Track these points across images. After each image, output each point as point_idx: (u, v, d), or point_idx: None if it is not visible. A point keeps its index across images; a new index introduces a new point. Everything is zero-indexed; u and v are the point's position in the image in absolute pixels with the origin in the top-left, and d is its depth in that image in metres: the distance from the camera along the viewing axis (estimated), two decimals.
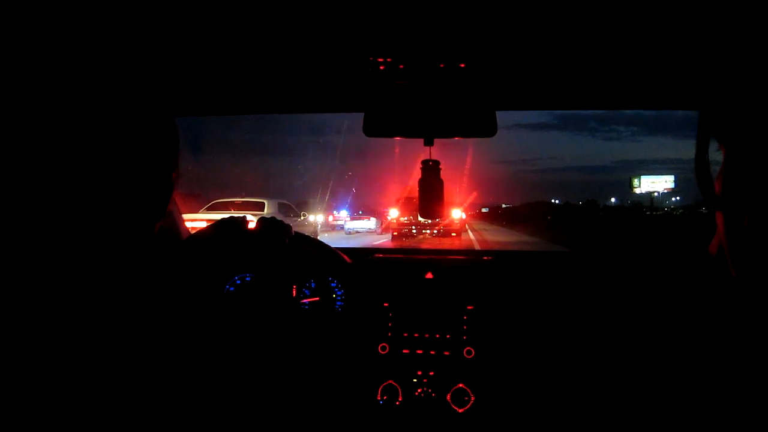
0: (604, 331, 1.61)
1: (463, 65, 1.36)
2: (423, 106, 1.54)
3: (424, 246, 17.89)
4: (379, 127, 1.57)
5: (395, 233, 18.82)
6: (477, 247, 19.34)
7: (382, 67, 1.36)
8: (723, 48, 1.18)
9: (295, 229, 1.74)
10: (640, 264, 1.70)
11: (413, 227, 18.55)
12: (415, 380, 1.61)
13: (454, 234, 18.84)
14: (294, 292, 1.80)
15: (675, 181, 62.49)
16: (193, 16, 1.11)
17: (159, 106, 1.02)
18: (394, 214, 19.15)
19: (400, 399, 1.59)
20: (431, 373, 1.61)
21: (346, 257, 1.83)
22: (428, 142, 1.58)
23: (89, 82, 0.94)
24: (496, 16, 1.10)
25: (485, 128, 1.52)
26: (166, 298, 1.63)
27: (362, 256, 1.88)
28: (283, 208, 15.88)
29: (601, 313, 1.64)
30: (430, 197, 1.61)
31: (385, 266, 1.81)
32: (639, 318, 1.56)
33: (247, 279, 1.83)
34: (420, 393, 1.60)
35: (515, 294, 1.71)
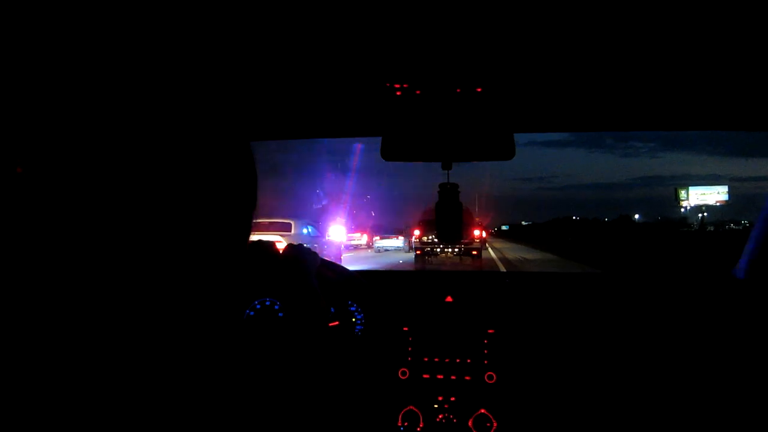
0: (631, 357, 1.55)
1: (479, 89, 1.33)
2: (440, 130, 1.51)
3: (446, 266, 17.80)
4: (397, 151, 1.54)
5: (418, 252, 18.83)
6: (498, 263, 19.16)
7: (399, 93, 1.33)
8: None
9: (319, 248, 1.72)
10: (668, 287, 1.62)
11: (435, 247, 18.53)
12: (436, 406, 1.56)
13: (474, 252, 18.72)
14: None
15: (728, 193, 56.11)
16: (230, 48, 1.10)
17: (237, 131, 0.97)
18: (416, 233, 19.14)
19: (421, 425, 1.55)
20: (452, 399, 1.56)
21: (364, 281, 1.79)
22: (446, 166, 1.54)
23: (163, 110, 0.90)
24: (511, 40, 1.08)
25: (503, 151, 1.48)
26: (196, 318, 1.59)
27: (382, 279, 1.83)
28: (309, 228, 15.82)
29: (627, 337, 1.58)
30: (448, 221, 1.57)
31: (404, 290, 1.77)
32: (668, 344, 1.48)
33: (267, 304, 1.79)
34: (441, 419, 1.54)
35: (537, 317, 1.66)
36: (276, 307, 1.79)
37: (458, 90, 1.34)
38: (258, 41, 1.09)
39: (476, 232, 18.84)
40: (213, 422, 1.22)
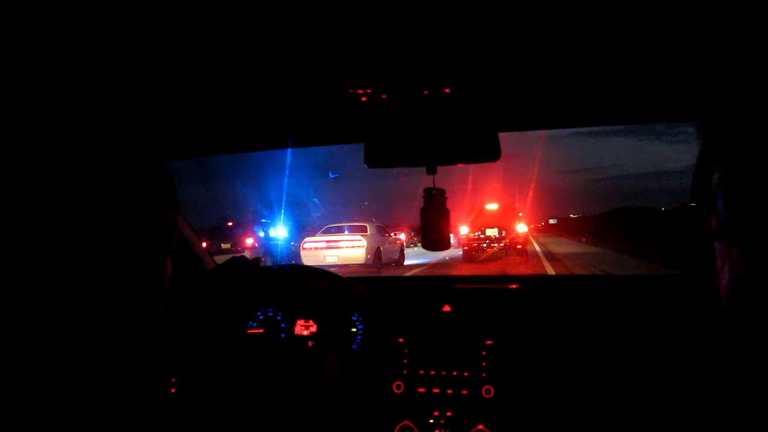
0: (640, 371, 1.42)
1: (447, 90, 1.23)
2: (421, 134, 1.43)
3: (487, 261, 17.67)
4: (380, 157, 1.48)
5: (465, 248, 18.80)
6: (543, 258, 18.79)
7: (364, 98, 1.25)
8: (722, 57, 1.04)
9: (385, 246, 1.69)
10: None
11: (482, 243, 18.49)
12: (431, 421, 1.47)
13: (519, 247, 18.53)
14: (308, 329, 1.70)
15: None
16: (184, 57, 1.06)
17: (148, 151, 0.94)
18: (464, 230, 19.12)
19: None
20: (448, 414, 1.47)
21: (363, 289, 1.71)
22: (431, 170, 1.46)
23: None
24: (475, 36, 0.99)
25: (488, 152, 1.40)
26: (192, 326, 1.57)
27: (377, 287, 1.75)
28: (379, 229, 17.30)
29: (637, 351, 1.44)
30: (433, 227, 1.47)
31: (401, 299, 1.68)
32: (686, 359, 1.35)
33: (270, 314, 1.74)
34: None
35: (539, 327, 1.53)
36: (279, 317, 1.74)
37: (426, 92, 1.25)
38: (226, 51, 1.04)
39: (519, 228, 18.76)
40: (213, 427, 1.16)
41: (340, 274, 1.77)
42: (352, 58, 1.07)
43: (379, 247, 16.19)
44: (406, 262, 18.10)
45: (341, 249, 15.39)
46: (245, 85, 1.23)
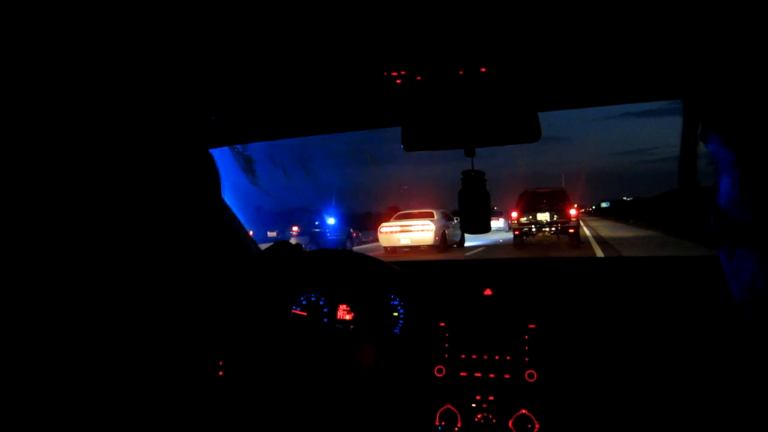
0: (688, 354, 1.32)
1: (483, 69, 1.17)
2: (457, 116, 1.37)
3: (539, 246, 17.33)
4: (418, 140, 1.43)
5: (516, 232, 18.47)
6: (593, 243, 18.25)
7: (398, 81, 1.21)
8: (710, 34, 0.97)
9: (449, 230, 1.68)
10: None
11: (533, 226, 18.09)
12: (474, 405, 1.42)
13: (571, 231, 17.97)
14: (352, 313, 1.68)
15: None
16: (228, 46, 1.04)
17: (193, 138, 0.95)
18: (514, 215, 18.82)
19: (459, 425, 1.41)
20: (491, 398, 1.42)
21: (404, 273, 1.69)
22: (469, 153, 1.39)
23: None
24: (507, 13, 0.92)
25: (528, 133, 1.32)
26: (238, 310, 1.59)
27: (418, 271, 1.72)
28: (444, 215, 18.75)
29: (683, 335, 1.35)
30: (472, 210, 1.42)
31: (441, 283, 1.63)
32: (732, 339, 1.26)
33: (313, 299, 1.74)
34: (480, 419, 1.41)
35: (583, 310, 1.45)
36: (321, 302, 1.75)
37: (461, 72, 1.19)
38: (251, 43, 1.02)
39: (571, 212, 18.21)
40: (255, 414, 1.18)
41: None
42: (385, 39, 1.01)
43: (444, 231, 17.71)
44: (466, 244, 19.30)
45: (413, 232, 17.14)
46: (282, 71, 1.20)
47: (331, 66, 1.17)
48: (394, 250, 17.44)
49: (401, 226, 17.62)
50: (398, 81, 1.21)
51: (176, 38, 0.98)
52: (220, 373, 1.48)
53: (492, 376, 1.44)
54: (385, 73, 1.17)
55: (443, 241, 17.46)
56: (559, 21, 0.96)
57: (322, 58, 1.13)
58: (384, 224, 18.67)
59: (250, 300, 1.64)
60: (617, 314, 1.43)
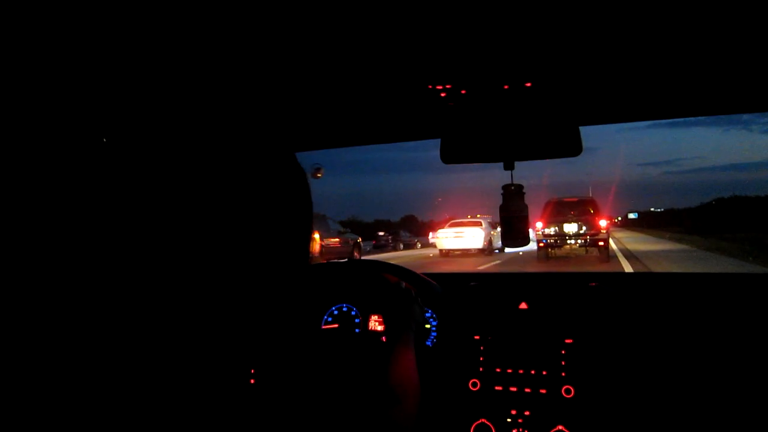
0: (723, 373, 1.26)
1: (529, 84, 1.13)
2: (499, 129, 1.32)
3: (571, 259, 16.78)
4: (457, 153, 1.37)
5: (541, 244, 17.74)
6: (620, 257, 17.59)
7: (443, 95, 1.19)
8: None
9: (493, 238, 1.66)
10: None
11: (559, 238, 17.42)
12: (509, 420, 1.36)
13: (601, 243, 17.20)
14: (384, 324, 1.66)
15: None
16: (292, 58, 1.04)
17: (280, 143, 0.92)
18: (539, 225, 18.18)
19: None
20: (527, 413, 1.35)
21: (438, 286, 1.66)
22: (508, 166, 1.35)
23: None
24: (555, 30, 0.90)
25: (569, 147, 1.27)
26: (270, 317, 1.58)
27: (452, 283, 1.69)
28: (490, 224, 20.91)
29: (720, 352, 1.29)
30: (513, 224, 1.38)
31: (476, 296, 1.57)
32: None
33: (344, 309, 1.73)
34: None
35: (620, 326, 1.37)
36: (353, 312, 1.73)
37: (506, 87, 1.16)
38: (295, 54, 1.01)
39: (601, 223, 17.48)
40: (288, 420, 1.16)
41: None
42: (434, 54, 0.98)
43: (490, 237, 20.06)
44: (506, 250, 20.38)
45: (464, 238, 19.88)
46: (333, 82, 1.18)
47: (378, 78, 1.15)
48: (448, 252, 20.00)
49: (455, 232, 20.18)
50: (443, 95, 1.19)
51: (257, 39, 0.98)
52: (252, 381, 1.48)
53: (528, 390, 1.37)
54: (430, 87, 1.16)
55: (489, 246, 19.84)
56: (604, 37, 0.94)
57: (371, 72, 1.11)
58: (440, 230, 21.62)
59: (282, 307, 1.64)
60: (652, 330, 1.36)
